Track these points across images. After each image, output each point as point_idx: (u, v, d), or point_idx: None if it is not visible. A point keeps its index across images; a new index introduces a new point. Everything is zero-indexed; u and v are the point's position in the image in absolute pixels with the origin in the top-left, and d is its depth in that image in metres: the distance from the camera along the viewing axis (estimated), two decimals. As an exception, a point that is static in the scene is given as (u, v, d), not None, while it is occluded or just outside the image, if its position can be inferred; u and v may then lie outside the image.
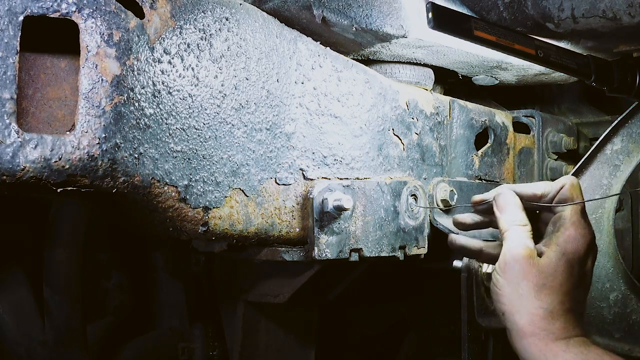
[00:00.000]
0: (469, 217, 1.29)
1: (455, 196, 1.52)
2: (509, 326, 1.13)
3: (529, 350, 1.10)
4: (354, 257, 1.34)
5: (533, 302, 1.11)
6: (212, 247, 1.49)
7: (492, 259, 1.21)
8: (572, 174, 1.53)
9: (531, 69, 1.62)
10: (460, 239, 1.28)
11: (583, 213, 1.17)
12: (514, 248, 1.14)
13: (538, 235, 1.20)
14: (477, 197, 1.26)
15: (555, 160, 1.85)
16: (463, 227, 1.30)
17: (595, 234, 1.18)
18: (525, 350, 1.10)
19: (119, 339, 1.95)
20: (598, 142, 1.55)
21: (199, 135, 1.16)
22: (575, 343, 1.09)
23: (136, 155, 1.07)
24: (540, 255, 1.14)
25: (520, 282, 1.12)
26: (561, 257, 1.13)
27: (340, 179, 1.36)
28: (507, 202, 1.20)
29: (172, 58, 1.11)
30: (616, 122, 1.55)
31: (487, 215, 1.26)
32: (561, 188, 1.19)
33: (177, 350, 1.99)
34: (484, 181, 1.64)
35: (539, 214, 1.24)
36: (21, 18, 0.98)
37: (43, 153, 0.99)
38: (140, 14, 1.07)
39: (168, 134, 1.12)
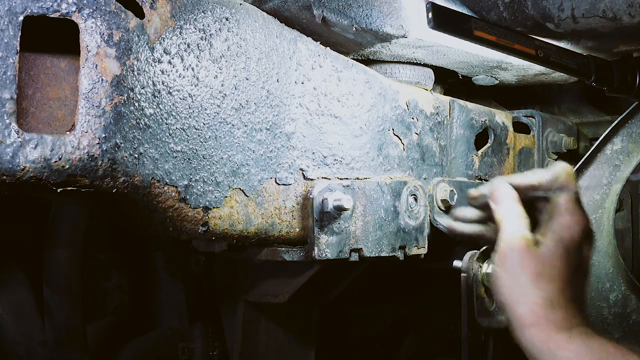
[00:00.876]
0: (469, 212, 1.29)
1: (455, 196, 1.52)
2: (511, 317, 1.13)
3: (532, 341, 1.09)
4: (354, 257, 1.34)
5: (532, 292, 1.10)
6: (212, 247, 1.49)
7: (494, 242, 1.21)
8: (572, 174, 1.53)
9: (531, 69, 1.62)
10: (460, 226, 1.28)
11: (577, 200, 1.17)
12: (511, 238, 1.14)
13: (534, 225, 1.20)
14: (473, 192, 1.26)
15: (555, 160, 1.85)
16: (463, 222, 1.30)
17: (590, 220, 1.18)
18: (528, 341, 1.10)
19: (119, 339, 1.95)
20: (598, 142, 1.55)
21: (199, 135, 1.16)
22: (578, 333, 1.08)
23: (136, 155, 1.07)
24: (537, 244, 1.14)
25: (519, 272, 1.12)
26: (558, 244, 1.13)
27: (340, 179, 1.36)
28: (503, 194, 1.20)
29: (172, 58, 1.11)
30: (616, 122, 1.55)
31: (485, 210, 1.27)
32: (555, 177, 1.19)
33: (177, 350, 1.99)
34: (484, 181, 1.64)
35: (534, 204, 1.24)
36: (21, 18, 0.98)
37: (43, 153, 0.99)
38: (140, 14, 1.07)
39: (168, 134, 1.12)
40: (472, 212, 1.29)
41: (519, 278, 1.12)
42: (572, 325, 1.09)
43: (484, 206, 1.26)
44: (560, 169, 1.19)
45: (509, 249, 1.14)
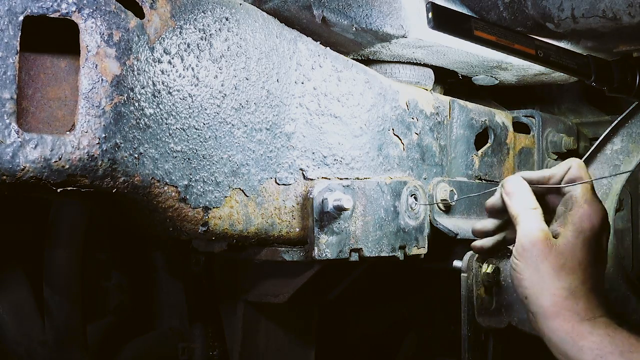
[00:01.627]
0: (489, 223, 1.29)
1: (455, 196, 1.52)
2: (533, 310, 1.13)
3: (556, 333, 1.10)
4: (354, 257, 1.34)
5: (554, 283, 1.11)
6: (212, 247, 1.49)
7: None
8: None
9: (531, 69, 1.62)
10: (483, 242, 1.29)
11: (593, 191, 1.18)
12: (530, 231, 1.15)
13: (547, 218, 1.20)
14: (489, 202, 1.27)
15: (555, 160, 1.85)
16: (486, 234, 1.30)
17: (607, 211, 1.19)
18: (551, 333, 1.10)
19: (119, 339, 1.95)
20: (598, 142, 1.55)
21: (199, 135, 1.16)
22: (601, 324, 1.09)
23: (136, 155, 1.07)
24: (555, 236, 1.15)
25: (540, 265, 1.12)
26: (578, 235, 1.14)
27: (340, 179, 1.36)
28: (515, 187, 1.21)
29: (172, 58, 1.11)
30: (616, 122, 1.55)
31: (503, 215, 1.27)
32: (568, 169, 1.19)
33: (177, 350, 1.99)
34: (484, 181, 1.64)
35: (545, 198, 1.24)
36: (21, 18, 0.98)
37: (43, 153, 0.99)
38: (140, 14, 1.07)
39: (168, 134, 1.12)
40: (490, 223, 1.29)
41: (540, 270, 1.12)
42: (595, 316, 1.09)
43: (502, 212, 1.26)
44: (572, 161, 1.20)
45: (529, 242, 1.14)
